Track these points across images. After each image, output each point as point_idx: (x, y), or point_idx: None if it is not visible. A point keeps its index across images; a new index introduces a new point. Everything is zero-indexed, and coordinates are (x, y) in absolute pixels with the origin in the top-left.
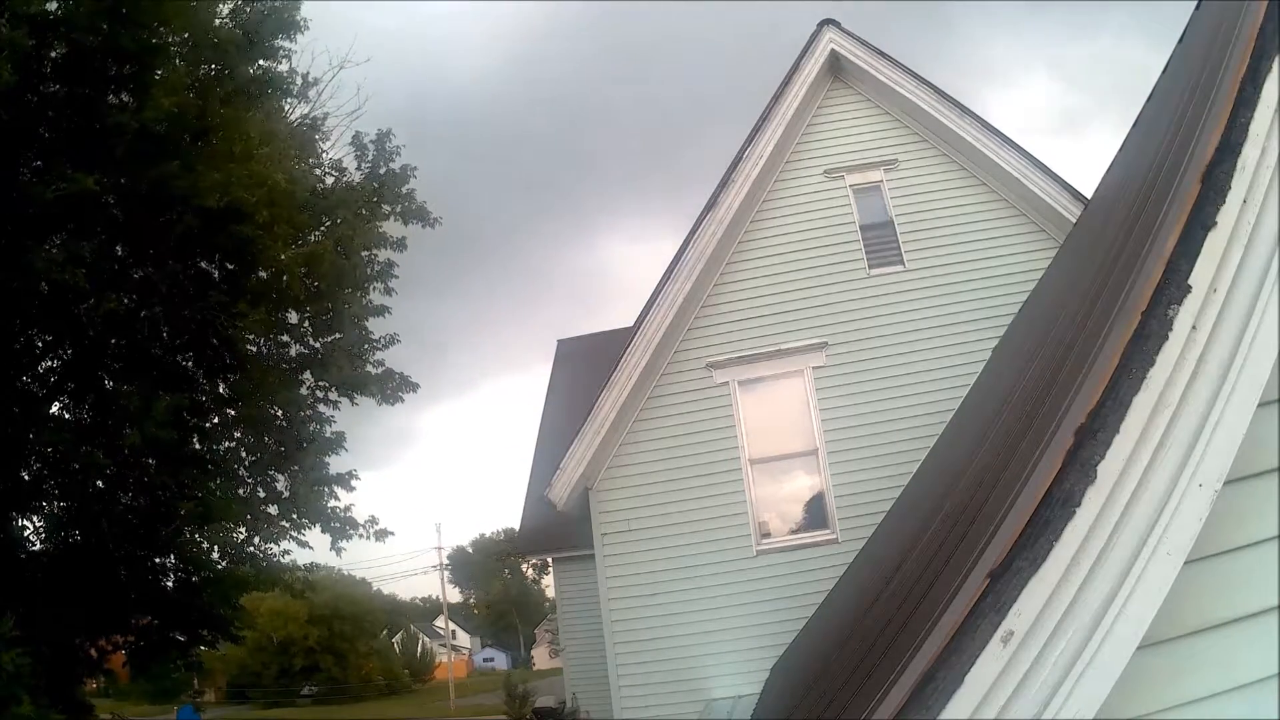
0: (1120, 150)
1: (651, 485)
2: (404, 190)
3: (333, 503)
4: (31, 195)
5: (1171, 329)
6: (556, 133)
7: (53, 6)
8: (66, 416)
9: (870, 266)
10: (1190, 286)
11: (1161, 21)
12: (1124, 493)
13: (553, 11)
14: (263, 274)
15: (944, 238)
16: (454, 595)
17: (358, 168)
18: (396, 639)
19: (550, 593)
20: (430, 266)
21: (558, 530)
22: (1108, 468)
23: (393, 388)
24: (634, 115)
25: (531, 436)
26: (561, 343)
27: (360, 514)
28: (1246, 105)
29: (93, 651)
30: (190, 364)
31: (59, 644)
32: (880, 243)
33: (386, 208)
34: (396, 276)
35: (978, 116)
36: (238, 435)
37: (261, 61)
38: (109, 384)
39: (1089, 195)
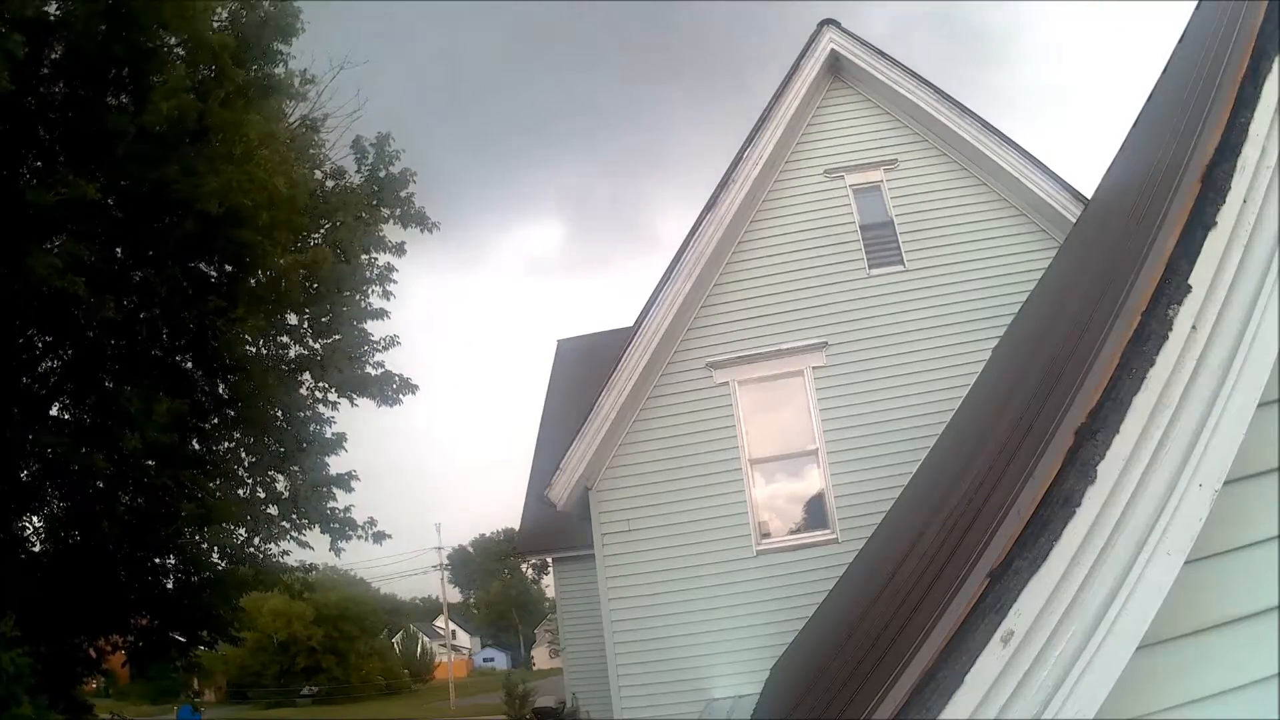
0: (1120, 150)
1: (651, 485)
2: (403, 194)
3: (332, 503)
4: (31, 198)
5: (1171, 329)
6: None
7: (52, 9)
8: (66, 418)
9: (870, 266)
10: (1190, 286)
11: (1160, 21)
12: (1124, 493)
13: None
14: (262, 277)
15: (944, 238)
16: (454, 595)
17: (357, 170)
18: (396, 639)
19: (550, 593)
20: (432, 265)
21: (558, 530)
22: (1107, 468)
23: (393, 390)
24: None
25: (531, 436)
26: (561, 343)
27: (359, 515)
28: (1246, 105)
29: (92, 651)
30: (190, 365)
31: (59, 644)
32: (880, 243)
33: (386, 211)
34: (395, 281)
35: (978, 116)
36: (237, 436)
37: (258, 66)
38: (109, 385)
39: (1089, 195)
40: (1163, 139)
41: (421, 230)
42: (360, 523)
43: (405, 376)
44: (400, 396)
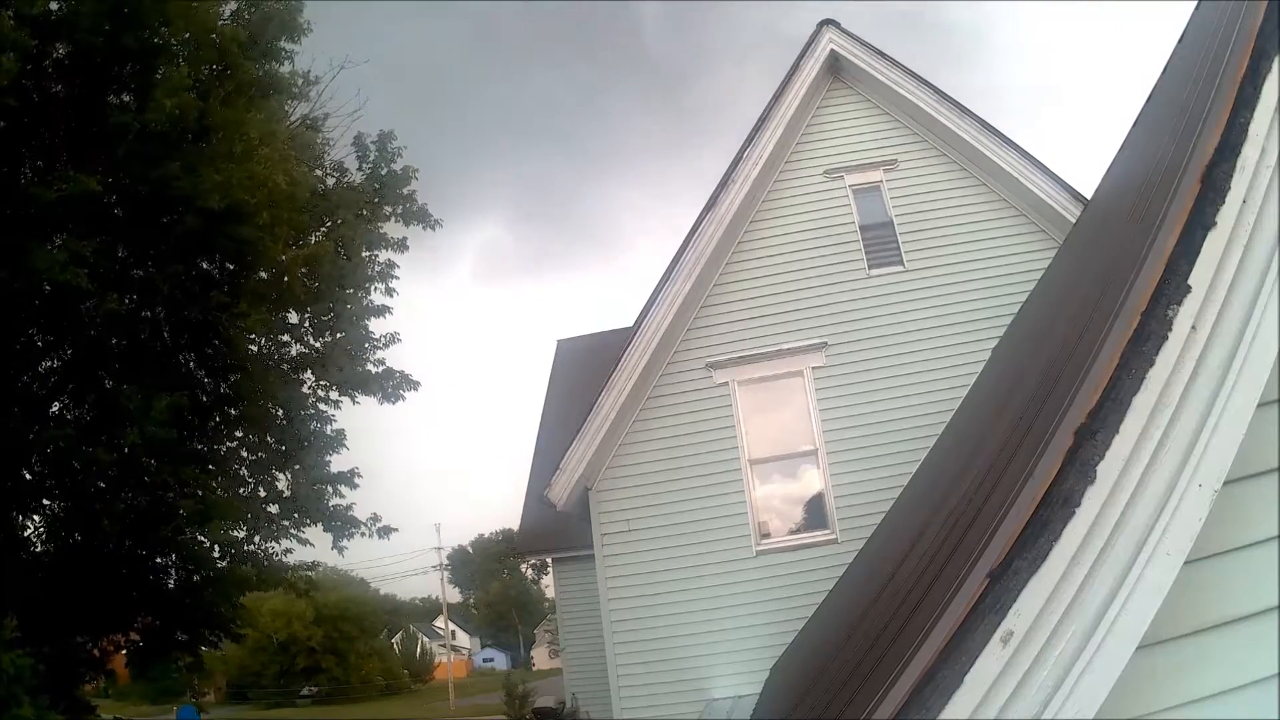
0: (1120, 150)
1: (651, 485)
2: (405, 191)
3: (334, 501)
4: (33, 195)
5: (1171, 329)
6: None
7: (55, 7)
8: (67, 416)
9: (870, 266)
10: (1190, 286)
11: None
12: (1124, 493)
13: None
14: (263, 274)
15: (944, 238)
16: (454, 595)
17: (359, 168)
18: (396, 639)
19: (550, 593)
20: (432, 264)
21: (558, 530)
22: (1107, 468)
23: (394, 385)
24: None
25: (531, 436)
26: (561, 343)
27: (361, 512)
28: (1246, 105)
29: (94, 651)
30: (191, 363)
31: (61, 644)
32: (880, 243)
33: (388, 209)
34: (397, 277)
35: (978, 116)
36: (239, 434)
37: (264, 63)
38: (109, 384)
39: (1089, 195)
40: (1163, 139)
41: (424, 227)
42: (363, 520)
43: (405, 373)
44: (402, 393)
